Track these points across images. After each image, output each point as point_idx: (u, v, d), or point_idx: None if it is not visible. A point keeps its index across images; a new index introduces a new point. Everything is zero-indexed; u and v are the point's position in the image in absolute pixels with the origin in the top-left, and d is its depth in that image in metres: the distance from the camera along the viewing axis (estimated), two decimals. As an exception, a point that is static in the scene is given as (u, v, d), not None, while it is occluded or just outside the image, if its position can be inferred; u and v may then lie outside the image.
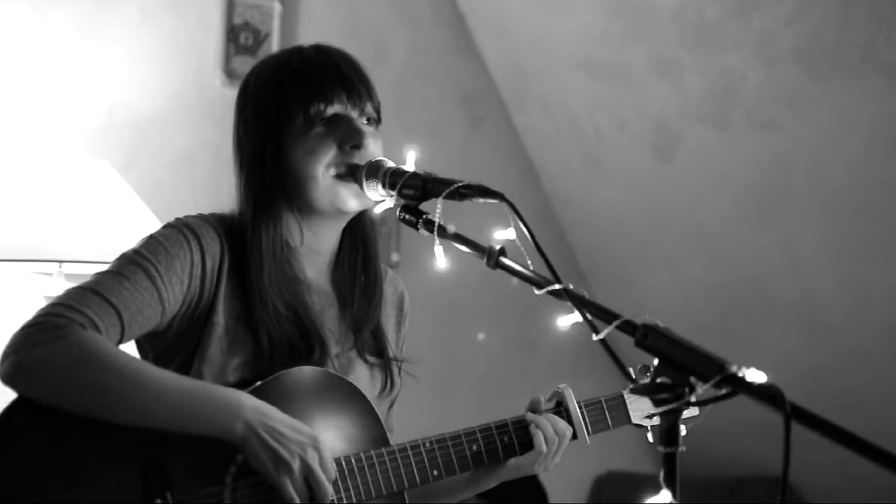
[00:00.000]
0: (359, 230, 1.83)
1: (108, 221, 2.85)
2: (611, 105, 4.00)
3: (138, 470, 1.54)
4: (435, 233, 1.57)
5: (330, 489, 1.58)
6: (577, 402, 1.86)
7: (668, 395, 1.27)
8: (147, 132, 3.46)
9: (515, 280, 1.50)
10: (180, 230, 1.67)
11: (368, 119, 1.76)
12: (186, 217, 1.71)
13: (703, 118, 3.82)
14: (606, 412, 1.89)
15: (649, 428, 1.93)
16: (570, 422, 1.84)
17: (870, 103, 3.47)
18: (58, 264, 2.84)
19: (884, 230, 3.71)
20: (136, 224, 2.87)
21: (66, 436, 1.53)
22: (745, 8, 3.52)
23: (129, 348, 1.66)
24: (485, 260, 1.51)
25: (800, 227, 3.87)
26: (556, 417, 1.82)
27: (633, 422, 1.92)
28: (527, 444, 1.80)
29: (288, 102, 1.72)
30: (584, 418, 1.85)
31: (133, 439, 1.54)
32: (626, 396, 1.91)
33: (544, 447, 1.78)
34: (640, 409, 1.91)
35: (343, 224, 1.80)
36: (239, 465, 1.58)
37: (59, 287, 2.79)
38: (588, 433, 1.85)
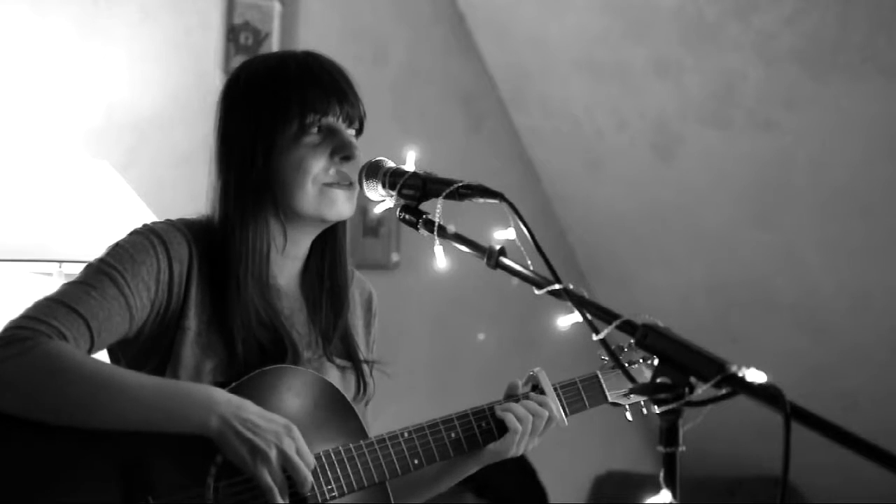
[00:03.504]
0: (329, 238, 1.83)
1: (108, 221, 2.85)
2: (611, 105, 4.00)
3: (118, 474, 1.54)
4: (435, 233, 1.57)
5: (309, 476, 1.58)
6: (553, 385, 1.87)
7: (668, 395, 1.28)
8: (147, 132, 3.46)
9: (515, 280, 1.50)
10: (146, 236, 1.67)
11: (356, 132, 1.78)
12: (153, 223, 1.71)
13: (703, 118, 3.82)
14: (582, 392, 1.90)
15: (627, 406, 1.94)
16: None
17: (870, 103, 3.47)
18: (58, 264, 2.84)
19: (884, 230, 3.71)
20: (136, 224, 2.86)
21: (42, 445, 1.52)
22: (745, 8, 3.52)
23: (102, 356, 1.65)
24: (485, 260, 1.51)
25: (800, 227, 3.87)
26: (529, 401, 1.83)
27: (610, 400, 1.92)
28: (505, 428, 1.81)
29: (283, 109, 1.72)
30: (560, 399, 1.86)
31: (111, 444, 1.54)
32: (600, 375, 1.92)
33: (518, 425, 1.79)
34: (617, 388, 1.92)
35: (319, 231, 1.80)
36: (219, 465, 1.58)
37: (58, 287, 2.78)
38: (566, 414, 1.86)
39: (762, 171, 3.83)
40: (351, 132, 1.76)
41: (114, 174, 2.96)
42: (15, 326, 1.53)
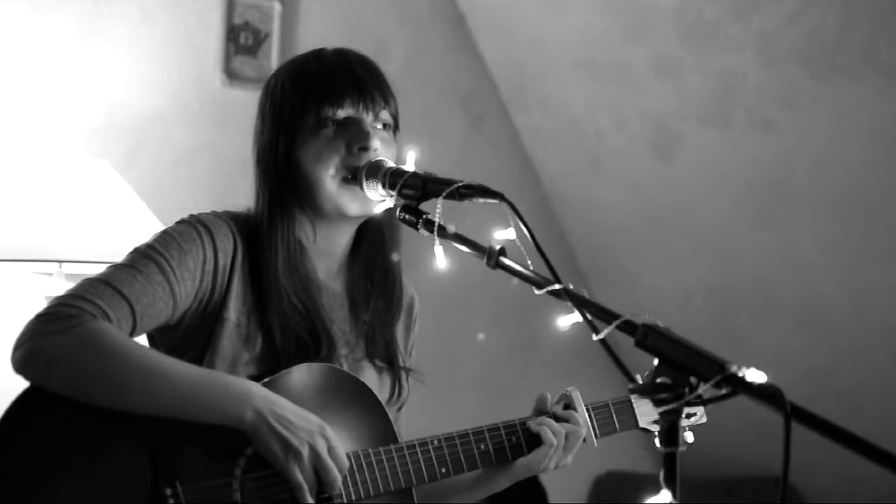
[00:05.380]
0: (378, 239, 1.84)
1: (108, 221, 2.85)
2: (611, 105, 4.00)
3: (148, 459, 1.55)
4: (435, 233, 1.57)
5: (338, 477, 1.58)
6: (585, 405, 1.87)
7: (668, 395, 1.28)
8: (147, 132, 3.46)
9: (515, 280, 1.50)
10: (193, 226, 1.69)
11: (384, 125, 1.77)
12: (200, 214, 1.72)
13: (703, 118, 3.82)
14: (614, 415, 1.91)
15: (657, 433, 1.93)
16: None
17: (870, 103, 3.47)
18: (58, 264, 2.84)
19: (884, 230, 3.71)
20: (136, 224, 2.87)
21: (76, 424, 1.54)
22: (745, 8, 3.52)
23: (142, 342, 1.66)
24: (485, 260, 1.52)
25: (800, 227, 3.87)
26: (564, 421, 1.84)
27: (641, 425, 1.92)
28: (534, 444, 1.81)
29: (301, 103, 1.74)
30: (591, 421, 1.87)
31: (144, 428, 1.55)
32: (633, 400, 1.92)
33: (553, 439, 1.79)
34: (648, 414, 1.91)
35: (353, 227, 1.81)
36: (248, 457, 1.60)
37: (59, 287, 2.79)
38: (596, 436, 1.87)
39: (762, 171, 3.83)
40: (377, 126, 1.76)
41: (114, 174, 2.96)
42: (61, 303, 1.55)
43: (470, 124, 4.23)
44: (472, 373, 4.16)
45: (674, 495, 1.26)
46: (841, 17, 3.35)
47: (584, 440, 1.85)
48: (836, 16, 3.35)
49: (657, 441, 1.93)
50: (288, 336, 1.70)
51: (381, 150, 1.73)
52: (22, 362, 1.53)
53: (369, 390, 1.72)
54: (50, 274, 2.91)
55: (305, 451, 1.55)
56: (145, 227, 2.76)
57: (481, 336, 4.20)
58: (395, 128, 1.80)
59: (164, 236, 1.67)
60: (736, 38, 3.58)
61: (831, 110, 3.55)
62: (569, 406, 1.86)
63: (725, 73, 3.68)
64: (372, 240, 1.84)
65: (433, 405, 3.71)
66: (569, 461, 1.84)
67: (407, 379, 1.89)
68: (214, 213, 1.73)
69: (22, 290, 3.10)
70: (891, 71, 3.37)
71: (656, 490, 1.27)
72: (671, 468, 1.27)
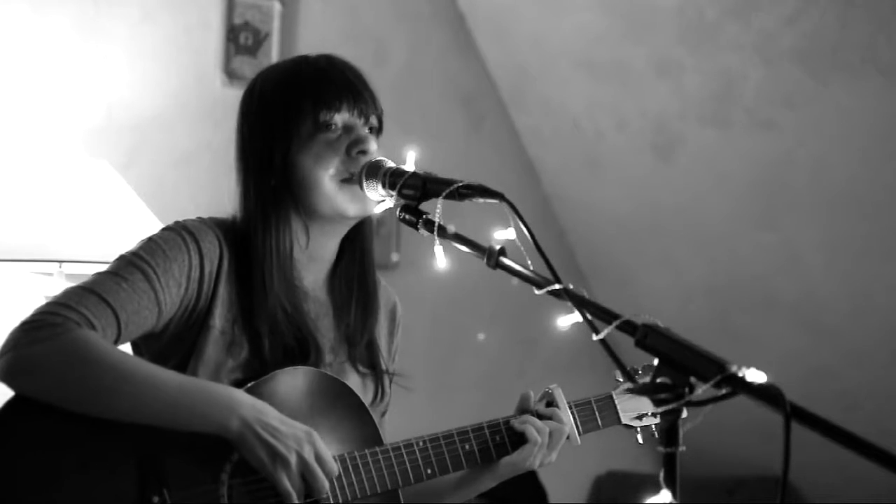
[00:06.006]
0: (358, 241, 1.85)
1: (108, 221, 2.85)
2: (611, 105, 4.00)
3: (135, 467, 1.55)
4: (435, 233, 1.57)
5: (326, 483, 1.59)
6: (567, 403, 1.88)
7: (667, 395, 1.28)
8: (147, 132, 3.46)
9: (515, 280, 1.50)
10: (179, 233, 1.68)
11: (371, 128, 1.79)
12: (186, 220, 1.72)
13: (703, 118, 3.82)
14: (596, 412, 1.92)
15: (639, 429, 1.95)
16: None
17: (870, 103, 3.47)
18: (58, 264, 2.84)
19: (884, 230, 3.71)
20: (136, 224, 2.87)
21: (62, 432, 1.53)
22: (745, 8, 3.52)
23: (126, 349, 1.66)
24: (485, 260, 1.52)
25: (800, 227, 3.87)
26: (548, 418, 1.85)
27: (623, 422, 1.93)
28: (518, 443, 1.82)
29: (297, 108, 1.74)
30: (574, 418, 1.87)
31: (130, 436, 1.55)
32: (615, 397, 1.93)
33: (537, 437, 1.80)
34: (630, 410, 1.93)
35: (344, 231, 1.81)
36: (234, 463, 1.60)
37: (59, 287, 2.79)
38: (579, 433, 1.88)
39: (762, 171, 3.83)
40: (366, 130, 1.77)
41: (114, 174, 2.96)
42: (45, 311, 1.54)
43: (470, 124, 4.23)
44: (472, 372, 4.16)
45: (674, 495, 1.26)
46: (841, 16, 3.35)
47: (568, 437, 1.85)
48: (836, 16, 3.35)
49: (639, 437, 1.95)
50: (276, 344, 1.70)
51: (375, 153, 1.74)
52: (6, 371, 1.52)
53: (352, 392, 1.72)
54: (50, 274, 2.91)
55: (293, 459, 1.56)
56: (145, 227, 2.76)
57: (481, 336, 4.20)
58: (380, 131, 1.82)
59: (150, 243, 1.66)
60: (736, 38, 3.58)
61: (831, 110, 3.55)
62: (551, 404, 1.87)
63: (725, 73, 3.69)
64: (353, 246, 1.85)
65: (433, 405, 3.71)
66: (553, 458, 1.85)
67: (390, 384, 1.89)
68: (200, 220, 1.73)
69: (22, 290, 3.10)
70: (891, 71, 3.37)
71: (656, 490, 1.27)
72: (671, 468, 1.27)
